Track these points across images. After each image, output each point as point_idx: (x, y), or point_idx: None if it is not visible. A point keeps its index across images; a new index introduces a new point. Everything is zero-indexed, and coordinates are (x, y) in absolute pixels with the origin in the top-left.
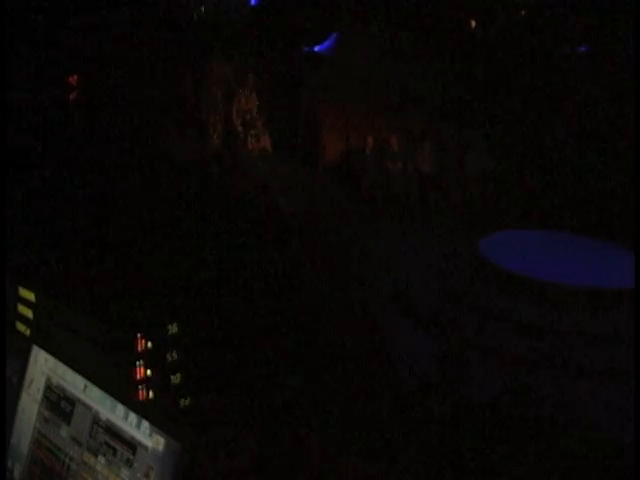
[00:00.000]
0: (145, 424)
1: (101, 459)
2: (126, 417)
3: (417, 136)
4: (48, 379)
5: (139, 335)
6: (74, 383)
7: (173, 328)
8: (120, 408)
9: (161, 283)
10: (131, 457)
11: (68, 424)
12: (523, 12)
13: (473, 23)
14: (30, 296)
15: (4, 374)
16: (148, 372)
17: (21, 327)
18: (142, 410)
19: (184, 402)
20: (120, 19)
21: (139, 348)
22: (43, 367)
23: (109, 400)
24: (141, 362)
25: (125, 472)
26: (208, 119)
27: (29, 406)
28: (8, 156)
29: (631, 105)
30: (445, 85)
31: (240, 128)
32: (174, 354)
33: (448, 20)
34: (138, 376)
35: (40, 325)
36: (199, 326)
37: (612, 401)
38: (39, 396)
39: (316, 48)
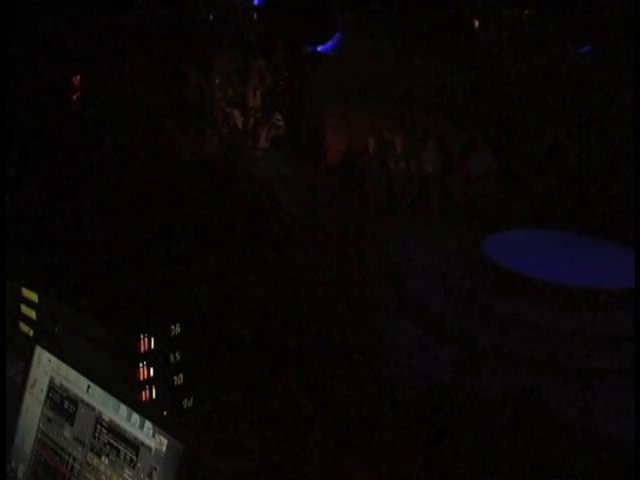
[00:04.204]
0: (148, 425)
1: (104, 459)
2: (129, 418)
3: (420, 136)
4: (51, 380)
5: (142, 336)
6: (77, 384)
7: (176, 329)
8: (123, 409)
9: (164, 283)
10: (134, 458)
11: (71, 424)
12: (526, 12)
13: (476, 23)
14: (33, 297)
15: (4, 374)
16: (151, 373)
17: (24, 328)
18: (145, 411)
19: (187, 403)
20: (123, 18)
21: (142, 349)
22: (46, 367)
23: (112, 401)
24: (144, 363)
25: (128, 472)
26: (211, 119)
27: (32, 407)
28: (10, 156)
29: (631, 105)
30: (448, 85)
31: (250, 127)
32: (177, 355)
33: (451, 20)
34: (141, 377)
35: (43, 326)
36: (202, 327)
37: (612, 401)
38: (42, 397)
39: (319, 48)
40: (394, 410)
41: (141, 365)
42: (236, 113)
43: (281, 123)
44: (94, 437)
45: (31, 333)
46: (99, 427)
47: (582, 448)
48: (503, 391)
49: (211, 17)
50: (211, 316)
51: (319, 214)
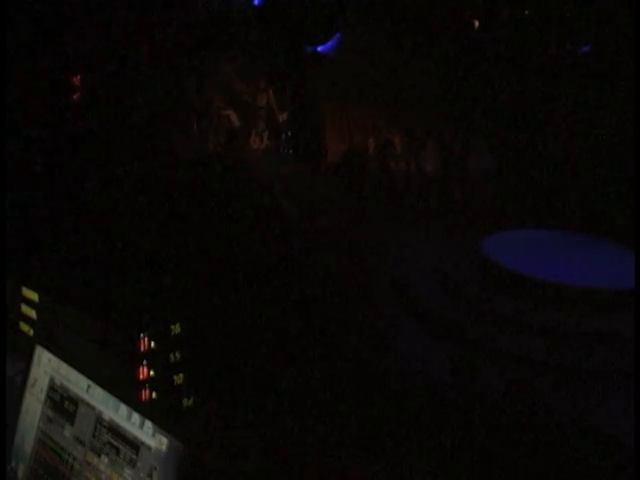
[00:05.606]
0: (148, 424)
1: (104, 459)
2: (129, 417)
3: (420, 136)
4: (51, 379)
5: (142, 335)
6: (77, 383)
7: (176, 328)
8: (123, 408)
9: (164, 283)
10: (134, 457)
11: (72, 424)
12: (526, 12)
13: (476, 23)
14: (34, 296)
15: (4, 374)
16: (151, 372)
17: (24, 327)
18: (145, 410)
19: (187, 402)
20: (125, 19)
21: (142, 348)
22: (46, 367)
23: (112, 400)
24: (144, 363)
25: (128, 472)
26: (212, 118)
27: (33, 406)
28: (10, 156)
29: (631, 105)
30: (448, 85)
31: (251, 126)
32: (177, 354)
33: (451, 20)
34: (141, 376)
35: (43, 325)
36: (202, 326)
37: (612, 401)
38: (42, 396)
39: (319, 48)
40: (394, 410)
41: (141, 365)
42: (232, 114)
43: (285, 117)
44: (94, 436)
45: (31, 333)
46: (99, 427)
47: (582, 448)
48: (503, 391)
49: (211, 17)
50: (211, 316)
51: (319, 214)
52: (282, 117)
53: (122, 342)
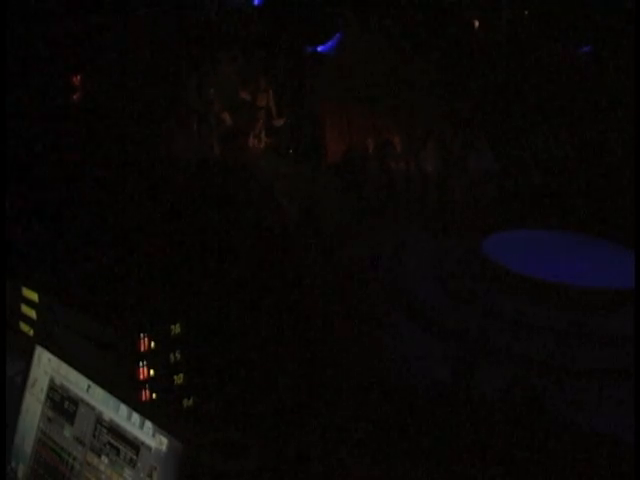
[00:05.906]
0: (148, 424)
1: (104, 459)
2: (129, 417)
3: (420, 136)
4: (51, 379)
5: (142, 335)
6: (77, 383)
7: (176, 328)
8: (123, 408)
9: (164, 283)
10: (134, 457)
11: (72, 424)
12: (526, 12)
13: (477, 23)
14: (33, 296)
15: (4, 374)
16: (151, 372)
17: (24, 327)
18: (145, 410)
19: (187, 402)
20: (123, 18)
21: (142, 348)
22: (46, 367)
23: (112, 400)
24: (144, 362)
25: (128, 472)
26: (212, 119)
27: (33, 406)
28: (10, 157)
29: (632, 105)
30: (448, 85)
31: (250, 127)
32: (177, 354)
33: (451, 20)
34: (141, 376)
35: (43, 326)
36: (202, 326)
37: (612, 401)
38: (42, 396)
39: (319, 48)
40: (394, 409)
41: (141, 365)
42: (225, 113)
43: (281, 122)
44: (94, 437)
45: (31, 333)
46: (99, 427)
47: (582, 448)
48: (503, 391)
49: (211, 17)
50: (211, 316)
51: (319, 214)
52: (278, 122)
53: (122, 342)
